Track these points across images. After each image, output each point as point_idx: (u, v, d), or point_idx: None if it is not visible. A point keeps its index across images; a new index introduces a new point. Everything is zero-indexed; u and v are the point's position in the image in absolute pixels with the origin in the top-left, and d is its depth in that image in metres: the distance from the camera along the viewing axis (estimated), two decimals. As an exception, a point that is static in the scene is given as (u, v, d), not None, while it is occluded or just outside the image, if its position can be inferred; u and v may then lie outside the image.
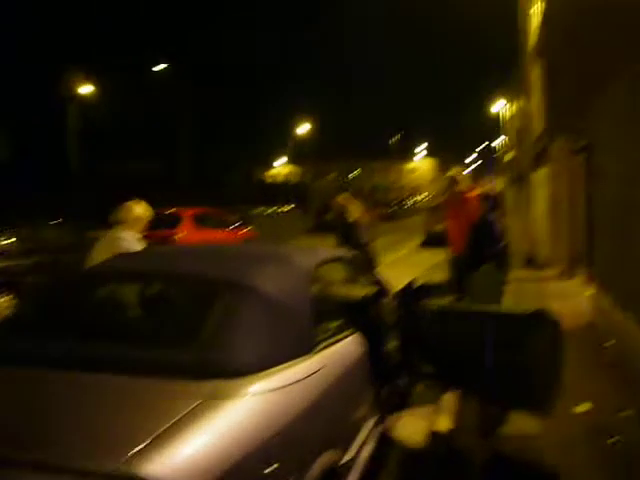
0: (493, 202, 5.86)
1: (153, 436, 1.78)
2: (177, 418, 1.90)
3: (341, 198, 8.49)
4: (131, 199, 4.75)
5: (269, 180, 78.24)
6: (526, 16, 14.02)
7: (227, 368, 2.24)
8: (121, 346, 2.45)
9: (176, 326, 2.71)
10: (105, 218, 5.07)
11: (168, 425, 1.85)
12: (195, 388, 2.11)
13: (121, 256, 3.60)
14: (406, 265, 13.59)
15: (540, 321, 3.51)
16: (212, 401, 2.03)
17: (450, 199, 6.37)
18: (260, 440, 1.99)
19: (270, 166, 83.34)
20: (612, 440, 3.84)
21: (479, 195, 6.64)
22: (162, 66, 30.78)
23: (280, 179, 78.81)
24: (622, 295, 5.76)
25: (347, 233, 8.07)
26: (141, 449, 1.71)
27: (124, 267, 3.18)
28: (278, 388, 2.23)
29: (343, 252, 3.96)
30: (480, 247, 5.67)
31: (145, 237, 13.07)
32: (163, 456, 1.72)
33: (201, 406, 1.99)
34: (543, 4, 13.60)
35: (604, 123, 6.53)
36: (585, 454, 3.74)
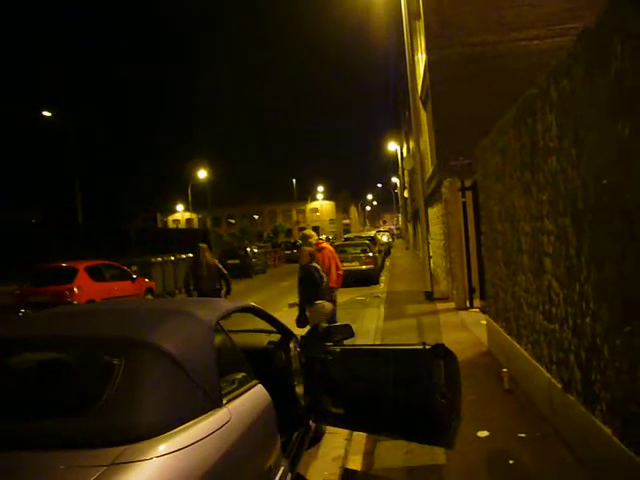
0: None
1: None
2: None
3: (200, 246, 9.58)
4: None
5: (172, 225, 76.77)
6: (413, 61, 14.99)
7: (131, 433, 2.18)
8: (19, 421, 2.32)
9: (76, 394, 2.60)
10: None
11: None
12: (98, 456, 2.04)
13: (11, 321, 3.42)
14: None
15: (440, 356, 3.68)
16: (116, 467, 1.98)
17: (307, 250, 7.79)
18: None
19: (173, 211, 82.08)
20: (511, 462, 4.08)
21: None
22: (47, 114, 29.74)
23: (182, 224, 77.62)
24: (507, 324, 6.17)
25: (198, 279, 9.20)
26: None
27: (15, 334, 3.01)
28: (184, 447, 2.20)
29: (247, 303, 3.98)
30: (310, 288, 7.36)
31: (37, 292, 12.31)
32: None
33: (105, 473, 1.93)
34: (425, 55, 14.60)
35: (483, 165, 7.07)
36: (488, 477, 3.92)
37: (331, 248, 8.61)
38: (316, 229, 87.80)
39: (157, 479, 2.01)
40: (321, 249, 8.31)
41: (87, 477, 1.90)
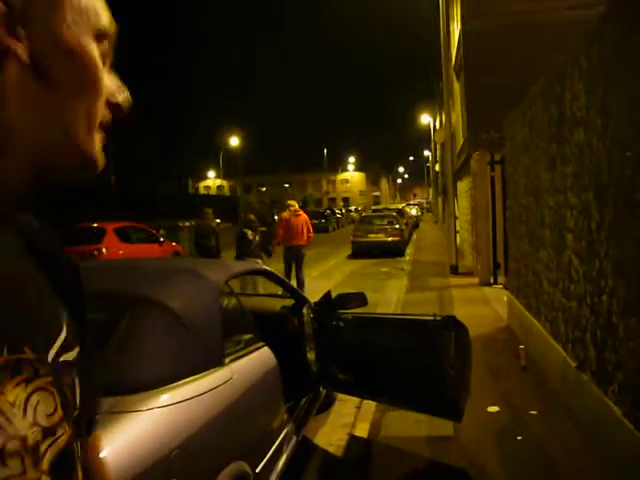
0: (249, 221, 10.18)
1: None
2: None
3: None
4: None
5: (203, 191, 77.43)
6: (447, 32, 14.60)
7: (127, 384, 2.20)
8: None
9: None
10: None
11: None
12: None
13: None
14: (331, 277, 13.86)
15: (450, 327, 3.63)
16: (108, 415, 2.00)
17: (293, 216, 10.70)
18: (158, 454, 1.97)
19: (204, 177, 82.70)
20: (519, 437, 4.04)
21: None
22: None
23: (214, 190, 78.22)
24: (527, 300, 6.07)
25: (201, 237, 11.45)
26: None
27: None
28: (178, 402, 2.21)
29: (258, 266, 3.97)
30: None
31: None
32: None
33: (96, 420, 1.96)
34: (460, 25, 14.19)
35: (512, 137, 6.88)
36: (494, 452, 3.89)
37: (305, 216, 10.96)
38: (346, 200, 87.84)
39: (147, 430, 2.03)
40: (298, 215, 10.74)
41: None
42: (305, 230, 10.62)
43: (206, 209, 11.88)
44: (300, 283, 10.38)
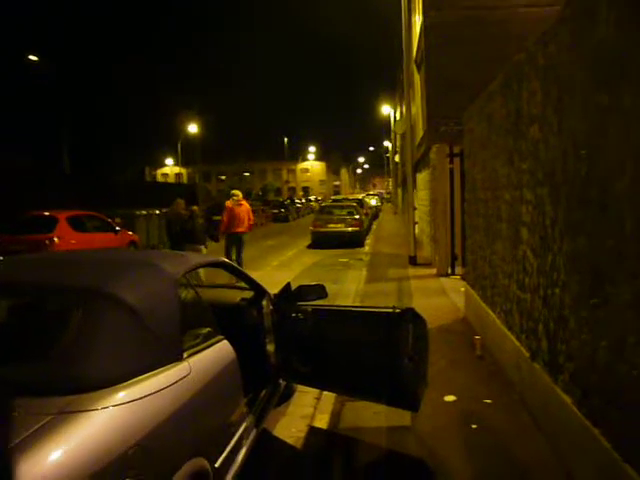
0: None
1: None
2: (22, 437, 1.81)
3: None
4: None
5: (161, 179, 76.18)
6: (409, 24, 14.66)
7: (84, 382, 2.16)
8: None
9: (33, 340, 2.56)
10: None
11: (11, 445, 1.76)
12: (47, 404, 2.02)
13: None
14: (290, 268, 13.84)
15: (409, 319, 3.68)
16: (62, 416, 1.95)
17: (236, 205, 11.72)
18: (114, 453, 1.93)
19: (162, 164, 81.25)
20: (474, 426, 4.14)
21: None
22: (33, 58, 28.86)
23: (172, 179, 77.01)
24: (483, 292, 6.20)
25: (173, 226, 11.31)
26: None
27: None
28: (135, 399, 2.17)
29: (216, 258, 3.93)
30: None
31: (16, 241, 12.09)
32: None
33: (50, 422, 1.91)
34: (421, 16, 14.27)
35: (470, 131, 6.98)
36: (451, 440, 3.97)
37: (247, 205, 12.09)
38: (306, 189, 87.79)
39: (103, 430, 1.99)
40: (240, 205, 11.77)
41: (32, 425, 1.88)
42: (247, 218, 11.81)
43: (178, 199, 11.77)
44: (240, 264, 11.00)
